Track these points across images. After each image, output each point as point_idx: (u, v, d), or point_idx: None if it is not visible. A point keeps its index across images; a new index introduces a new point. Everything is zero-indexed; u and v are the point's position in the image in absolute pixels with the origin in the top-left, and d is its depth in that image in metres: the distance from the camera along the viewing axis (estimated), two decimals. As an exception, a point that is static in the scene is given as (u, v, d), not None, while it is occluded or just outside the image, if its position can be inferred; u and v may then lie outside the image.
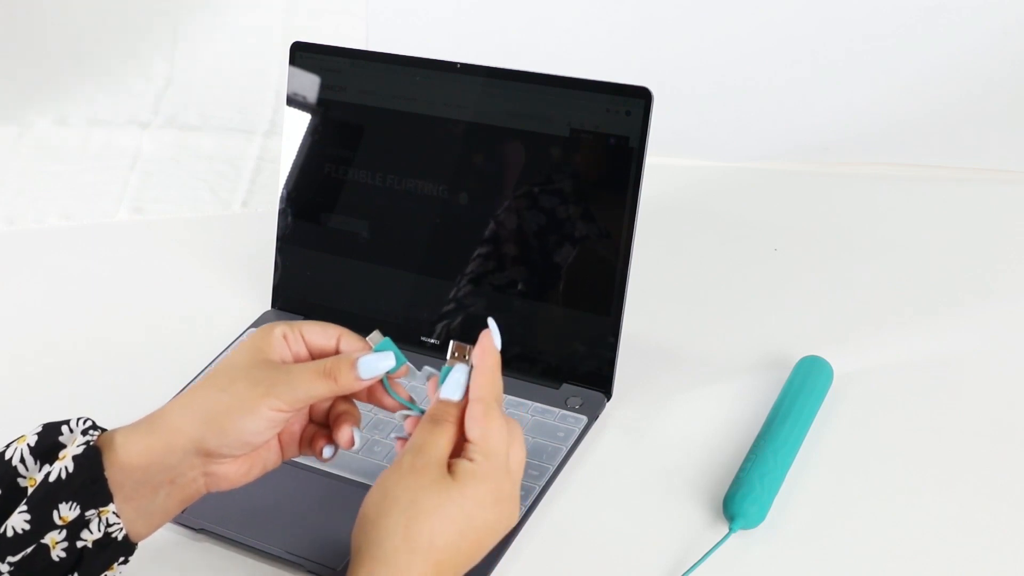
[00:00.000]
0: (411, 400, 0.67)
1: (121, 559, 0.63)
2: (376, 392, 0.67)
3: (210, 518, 0.79)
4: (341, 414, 0.68)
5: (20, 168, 1.36)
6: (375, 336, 0.67)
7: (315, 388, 0.63)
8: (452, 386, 0.64)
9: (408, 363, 0.66)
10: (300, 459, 0.82)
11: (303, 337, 0.66)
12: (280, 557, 0.76)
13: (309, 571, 0.75)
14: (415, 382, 0.81)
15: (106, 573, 0.63)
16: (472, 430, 0.63)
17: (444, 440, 0.62)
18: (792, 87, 1.28)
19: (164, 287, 1.11)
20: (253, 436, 0.63)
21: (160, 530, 0.78)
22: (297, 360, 0.66)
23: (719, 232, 1.16)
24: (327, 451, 0.68)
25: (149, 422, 0.64)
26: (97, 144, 1.40)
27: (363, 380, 0.64)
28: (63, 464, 0.61)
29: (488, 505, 0.61)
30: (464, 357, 0.65)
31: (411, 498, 0.60)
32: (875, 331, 0.98)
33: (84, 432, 0.63)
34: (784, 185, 1.24)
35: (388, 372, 0.65)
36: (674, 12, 1.29)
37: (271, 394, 0.62)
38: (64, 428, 0.63)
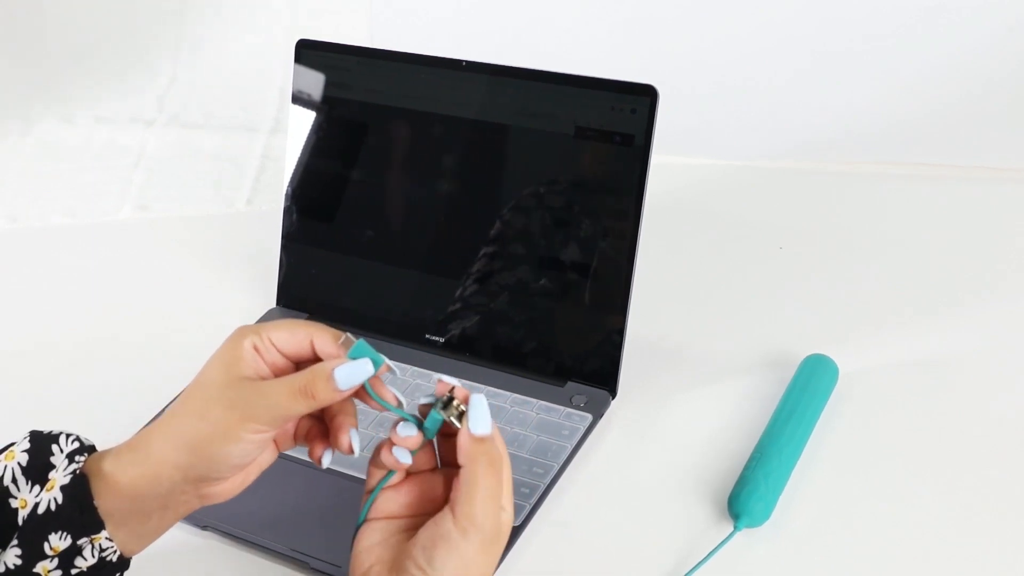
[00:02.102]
0: (397, 403, 0.62)
1: (117, 575, 0.62)
2: (361, 392, 0.63)
3: (216, 515, 0.79)
4: (336, 416, 0.64)
5: (24, 166, 1.36)
6: (347, 340, 0.62)
7: (293, 407, 0.60)
8: (482, 419, 0.60)
9: (387, 361, 0.61)
10: (306, 456, 0.83)
11: (273, 345, 0.62)
12: (285, 555, 0.76)
13: (315, 569, 0.75)
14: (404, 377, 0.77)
15: None
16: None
17: (498, 483, 0.60)
18: (796, 86, 1.28)
19: (168, 285, 1.11)
20: (240, 459, 0.61)
21: None
22: (273, 369, 0.63)
23: (724, 231, 1.16)
24: (326, 459, 0.64)
25: (134, 450, 0.62)
26: (101, 142, 1.40)
27: (342, 392, 0.60)
28: (51, 495, 0.59)
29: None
30: (451, 395, 0.61)
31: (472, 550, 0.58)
32: (880, 330, 0.98)
33: (70, 456, 0.61)
34: (789, 184, 1.24)
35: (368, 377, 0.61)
36: (679, 11, 1.30)
37: (249, 418, 0.59)
38: (54, 447, 0.62)
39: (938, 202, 1.20)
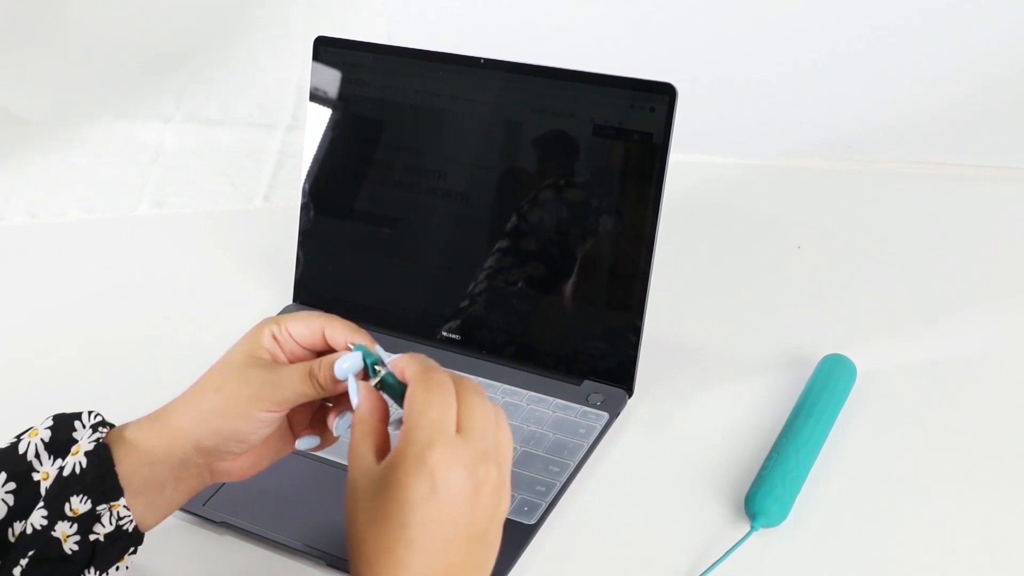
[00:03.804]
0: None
1: (131, 549, 0.65)
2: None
3: (231, 511, 0.79)
4: (341, 399, 0.66)
5: (43, 162, 1.37)
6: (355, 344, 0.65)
7: (301, 390, 0.63)
8: (353, 397, 0.62)
9: (382, 356, 0.63)
10: (321, 452, 0.83)
11: (290, 334, 0.66)
12: (301, 551, 0.76)
13: (330, 564, 0.76)
14: None
15: (117, 563, 0.64)
16: (405, 404, 0.59)
17: (358, 447, 0.59)
18: (815, 84, 1.27)
19: (185, 281, 1.11)
20: (247, 436, 0.64)
21: (181, 523, 0.80)
22: (290, 356, 0.66)
23: (742, 229, 1.15)
24: (300, 442, 0.67)
25: (153, 420, 0.65)
26: (119, 138, 1.40)
27: (339, 381, 0.63)
28: (76, 459, 0.62)
29: (415, 485, 0.55)
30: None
31: (350, 506, 0.58)
32: (899, 330, 0.97)
33: (94, 428, 0.64)
34: (807, 183, 1.24)
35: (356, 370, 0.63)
36: (696, 9, 1.29)
37: (260, 396, 0.63)
38: (76, 423, 0.65)
39: (959, 201, 1.19)
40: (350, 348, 0.64)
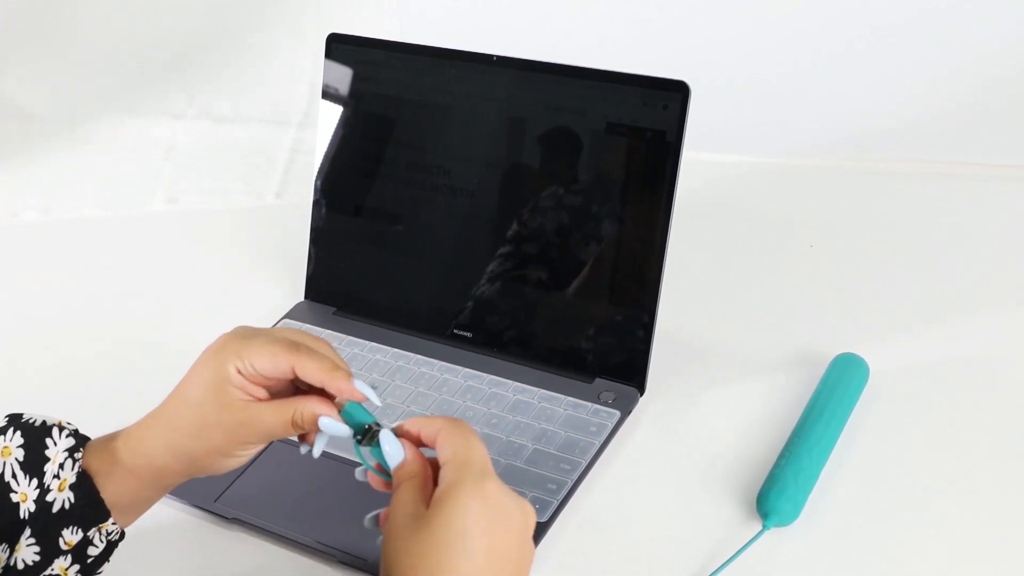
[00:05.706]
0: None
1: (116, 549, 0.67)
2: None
3: (242, 508, 0.80)
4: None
5: (56, 158, 1.37)
6: (340, 402, 0.65)
7: (284, 434, 0.66)
8: (392, 452, 0.63)
9: (364, 425, 0.65)
10: (332, 450, 0.83)
11: (255, 369, 0.65)
12: (311, 547, 0.77)
13: (340, 561, 0.76)
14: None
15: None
16: (443, 449, 0.61)
17: (408, 495, 0.60)
18: (828, 82, 1.27)
19: (197, 278, 1.12)
20: (236, 466, 0.68)
21: (192, 519, 0.80)
22: (260, 385, 0.66)
23: (754, 228, 1.15)
24: (325, 429, 0.67)
25: (136, 453, 0.66)
26: (131, 135, 1.41)
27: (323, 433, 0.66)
28: (64, 496, 0.64)
29: (476, 510, 0.57)
30: (373, 436, 0.64)
31: (393, 549, 0.59)
32: (912, 328, 0.97)
33: (70, 452, 0.65)
34: (819, 181, 1.23)
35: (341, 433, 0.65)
36: (707, 6, 1.29)
37: (246, 441, 0.66)
38: (48, 441, 0.65)
39: (977, 199, 1.19)
40: (334, 398, 0.65)
